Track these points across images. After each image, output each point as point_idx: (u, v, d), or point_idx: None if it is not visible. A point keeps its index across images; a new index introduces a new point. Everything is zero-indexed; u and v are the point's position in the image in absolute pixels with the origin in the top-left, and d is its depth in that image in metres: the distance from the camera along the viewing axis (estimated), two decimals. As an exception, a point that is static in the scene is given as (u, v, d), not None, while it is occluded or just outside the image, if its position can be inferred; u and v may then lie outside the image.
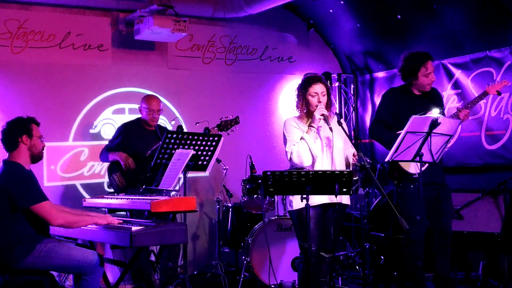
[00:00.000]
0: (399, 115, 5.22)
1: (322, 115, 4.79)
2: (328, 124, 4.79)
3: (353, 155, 4.82)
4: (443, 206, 5.38)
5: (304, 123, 4.93)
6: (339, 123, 4.82)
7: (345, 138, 4.94)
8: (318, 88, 4.86)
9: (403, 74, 5.47)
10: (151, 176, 5.73)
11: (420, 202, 5.00)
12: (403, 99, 5.41)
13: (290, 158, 4.83)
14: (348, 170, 4.63)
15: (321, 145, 4.90)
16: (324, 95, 4.88)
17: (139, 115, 6.42)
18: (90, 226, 4.63)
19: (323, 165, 4.87)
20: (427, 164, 5.10)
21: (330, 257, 4.94)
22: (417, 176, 5.03)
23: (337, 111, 5.12)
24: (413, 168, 5.16)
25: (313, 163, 4.86)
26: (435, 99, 5.51)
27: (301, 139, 4.82)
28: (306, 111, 4.92)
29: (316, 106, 4.83)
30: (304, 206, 4.51)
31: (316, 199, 4.78)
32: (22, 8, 6.66)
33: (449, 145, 5.23)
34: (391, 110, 5.41)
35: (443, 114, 5.34)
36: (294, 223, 5.03)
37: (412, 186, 5.08)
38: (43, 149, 4.66)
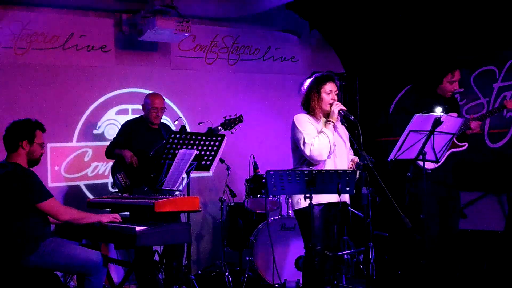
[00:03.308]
0: (421, 107, 5.21)
1: (341, 110, 4.85)
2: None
3: (352, 161, 4.92)
4: (451, 205, 5.40)
5: (315, 120, 4.93)
6: (343, 123, 4.89)
7: (348, 139, 4.98)
8: (332, 86, 4.94)
9: (429, 75, 5.52)
10: (155, 176, 5.74)
11: (432, 200, 5.06)
12: (427, 95, 5.44)
13: (310, 151, 4.76)
14: (351, 169, 4.64)
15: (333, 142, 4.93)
16: (336, 93, 4.96)
17: (142, 115, 6.43)
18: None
19: (334, 162, 4.89)
20: (438, 164, 5.14)
21: (333, 256, 4.96)
22: (430, 172, 5.05)
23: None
24: (426, 163, 5.13)
25: (324, 161, 4.85)
26: (453, 105, 5.54)
27: (320, 132, 4.82)
28: (318, 108, 4.93)
29: (330, 103, 4.90)
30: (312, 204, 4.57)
31: (325, 197, 4.79)
32: (25, 10, 6.67)
33: (460, 149, 5.30)
34: (414, 101, 5.43)
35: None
36: (300, 223, 5.03)
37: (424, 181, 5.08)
38: (41, 155, 4.73)
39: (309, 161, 4.84)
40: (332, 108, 4.88)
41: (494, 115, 5.64)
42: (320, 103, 4.92)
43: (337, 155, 4.94)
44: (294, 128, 4.93)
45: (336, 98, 4.93)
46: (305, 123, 4.90)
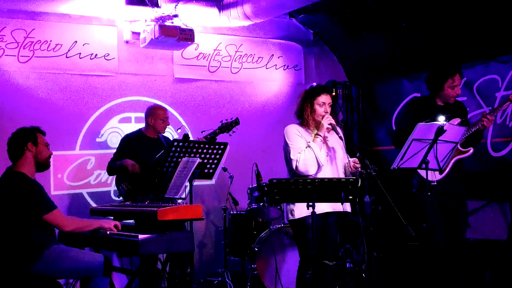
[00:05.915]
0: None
1: (330, 124, 4.88)
2: (337, 133, 4.91)
3: (354, 162, 4.93)
4: (460, 216, 5.37)
5: (307, 131, 4.99)
6: (337, 133, 4.91)
7: (343, 147, 5.02)
8: (325, 98, 4.99)
9: (429, 83, 5.49)
10: (159, 184, 5.74)
11: (436, 211, 5.06)
12: (425, 109, 5.40)
13: (296, 166, 4.86)
14: (354, 178, 4.65)
15: (325, 154, 4.95)
16: (330, 106, 5.01)
17: (142, 125, 6.44)
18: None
19: (326, 174, 4.92)
20: (445, 173, 5.13)
21: (334, 265, 4.96)
22: (435, 184, 5.03)
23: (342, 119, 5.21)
24: (430, 176, 5.09)
25: (317, 172, 4.90)
26: (459, 111, 5.49)
27: (307, 147, 4.87)
28: (311, 119, 4.98)
29: (322, 115, 4.94)
30: (307, 214, 4.63)
31: (319, 208, 4.78)
32: (29, 18, 6.69)
33: (465, 155, 5.28)
34: (412, 119, 5.39)
35: (467, 123, 5.37)
36: (295, 232, 5.05)
37: (429, 193, 5.06)
38: (49, 157, 4.69)
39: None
40: (322, 122, 4.92)
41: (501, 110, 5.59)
42: (313, 114, 4.99)
43: (338, 163, 5.00)
44: (284, 140, 5.02)
45: (328, 110, 4.98)
46: (293, 136, 4.97)
